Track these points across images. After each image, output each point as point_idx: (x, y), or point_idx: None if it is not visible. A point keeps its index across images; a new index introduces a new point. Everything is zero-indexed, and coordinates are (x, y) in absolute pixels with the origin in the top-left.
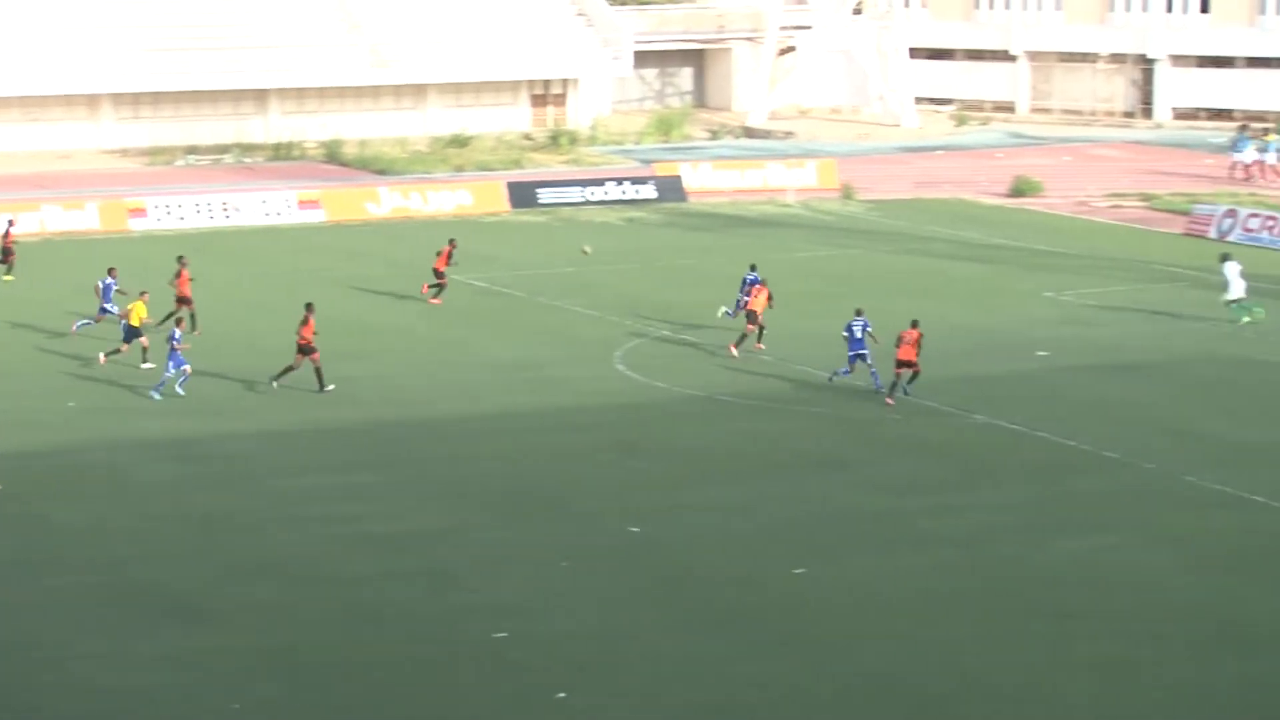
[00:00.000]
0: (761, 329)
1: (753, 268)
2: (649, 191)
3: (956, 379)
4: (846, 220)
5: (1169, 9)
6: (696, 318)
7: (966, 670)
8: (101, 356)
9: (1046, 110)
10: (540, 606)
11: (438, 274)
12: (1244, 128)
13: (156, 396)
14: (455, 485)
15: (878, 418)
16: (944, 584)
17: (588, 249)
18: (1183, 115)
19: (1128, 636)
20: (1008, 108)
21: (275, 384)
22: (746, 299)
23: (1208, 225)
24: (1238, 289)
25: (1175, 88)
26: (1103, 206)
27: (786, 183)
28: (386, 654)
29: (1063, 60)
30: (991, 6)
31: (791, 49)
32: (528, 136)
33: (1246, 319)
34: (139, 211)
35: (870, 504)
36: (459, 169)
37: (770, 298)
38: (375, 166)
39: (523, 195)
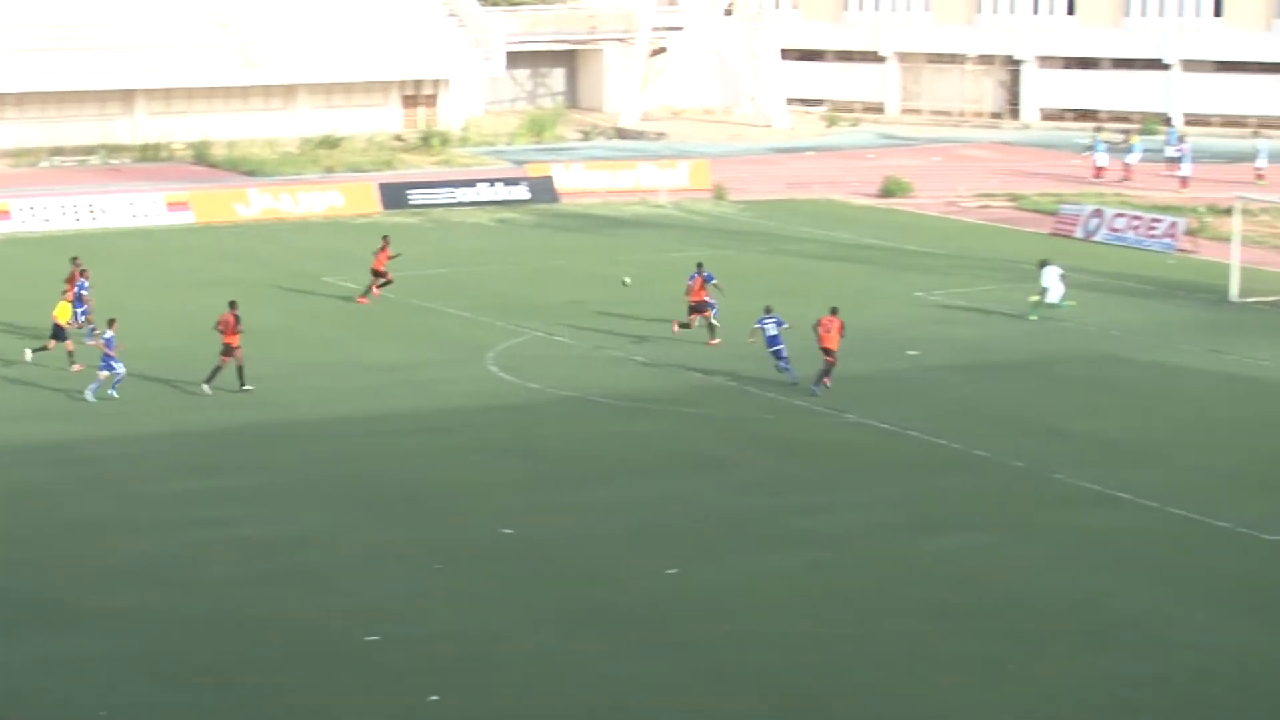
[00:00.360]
0: (705, 321)
1: (699, 266)
2: (521, 192)
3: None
4: (719, 221)
5: (1035, 11)
6: (570, 318)
7: (837, 667)
8: (28, 353)
9: (916, 111)
10: (413, 609)
11: (377, 273)
12: (1099, 129)
13: (91, 398)
14: (326, 488)
15: (749, 417)
16: (816, 582)
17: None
18: (1050, 116)
19: (995, 633)
20: (878, 109)
21: (207, 387)
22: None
23: (1074, 225)
24: (1057, 293)
25: (1042, 89)
26: (971, 207)
27: (659, 183)
28: (258, 657)
29: (931, 61)
30: (861, 8)
31: (663, 50)
32: (399, 137)
33: (1034, 317)
34: (3, 214)
35: (743, 503)
36: (330, 170)
37: (714, 286)
38: (245, 168)
39: (394, 196)
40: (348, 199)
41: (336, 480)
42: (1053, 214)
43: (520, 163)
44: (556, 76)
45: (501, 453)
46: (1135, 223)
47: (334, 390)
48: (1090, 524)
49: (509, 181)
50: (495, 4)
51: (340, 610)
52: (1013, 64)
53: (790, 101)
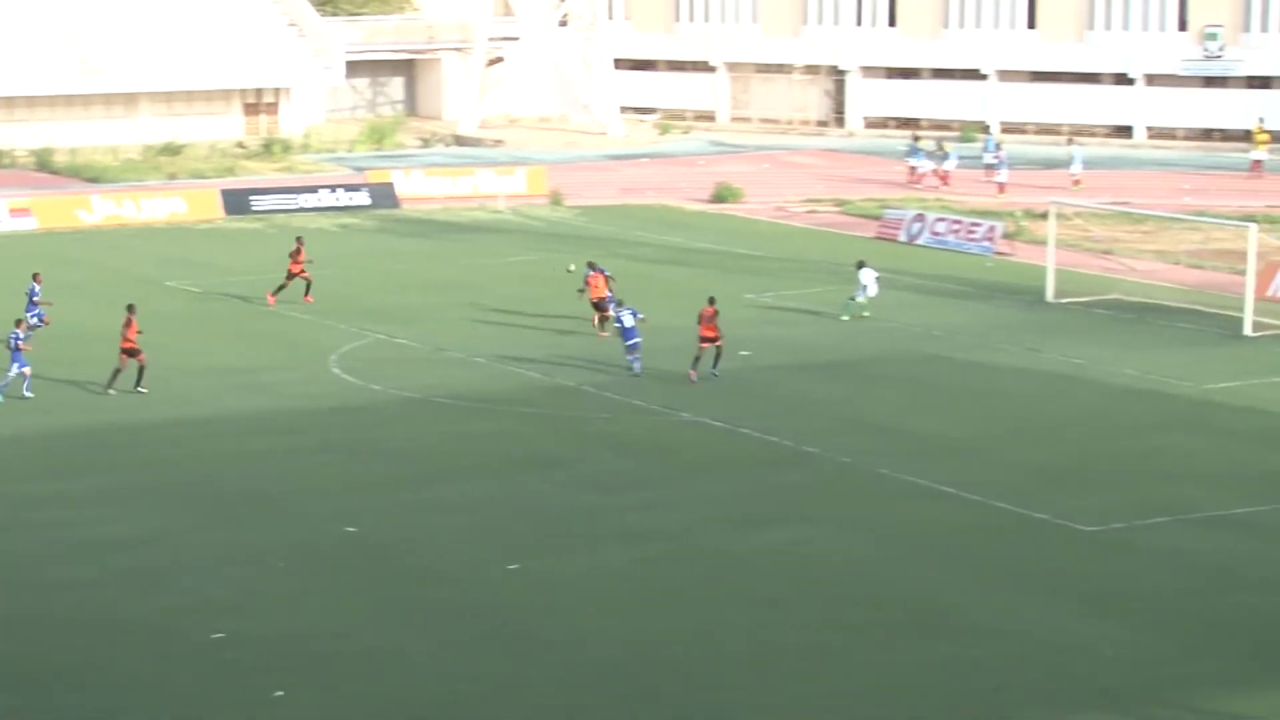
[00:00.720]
0: (604, 317)
1: (590, 265)
2: (362, 198)
3: (662, 377)
4: (556, 226)
5: (859, 22)
6: (412, 321)
7: (674, 659)
8: None
9: (746, 119)
10: (257, 606)
11: (292, 275)
12: (916, 138)
13: None
14: (170, 489)
15: (586, 417)
16: (653, 576)
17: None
18: (873, 124)
19: (824, 623)
20: (709, 116)
21: (111, 390)
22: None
23: (898, 229)
24: (872, 291)
25: (866, 98)
26: (800, 211)
27: (497, 189)
28: (101, 657)
29: (760, 71)
30: (691, 19)
31: (500, 59)
32: (241, 144)
33: (846, 317)
34: None
35: (581, 501)
36: (172, 177)
37: (609, 280)
38: (87, 174)
39: (236, 202)
40: (190, 205)
41: (180, 481)
42: (877, 219)
43: (361, 169)
44: (396, 85)
45: (345, 453)
46: (955, 227)
47: (178, 393)
48: (915, 517)
49: (350, 188)
50: (334, 14)
51: (184, 609)
52: (838, 74)
53: (624, 110)
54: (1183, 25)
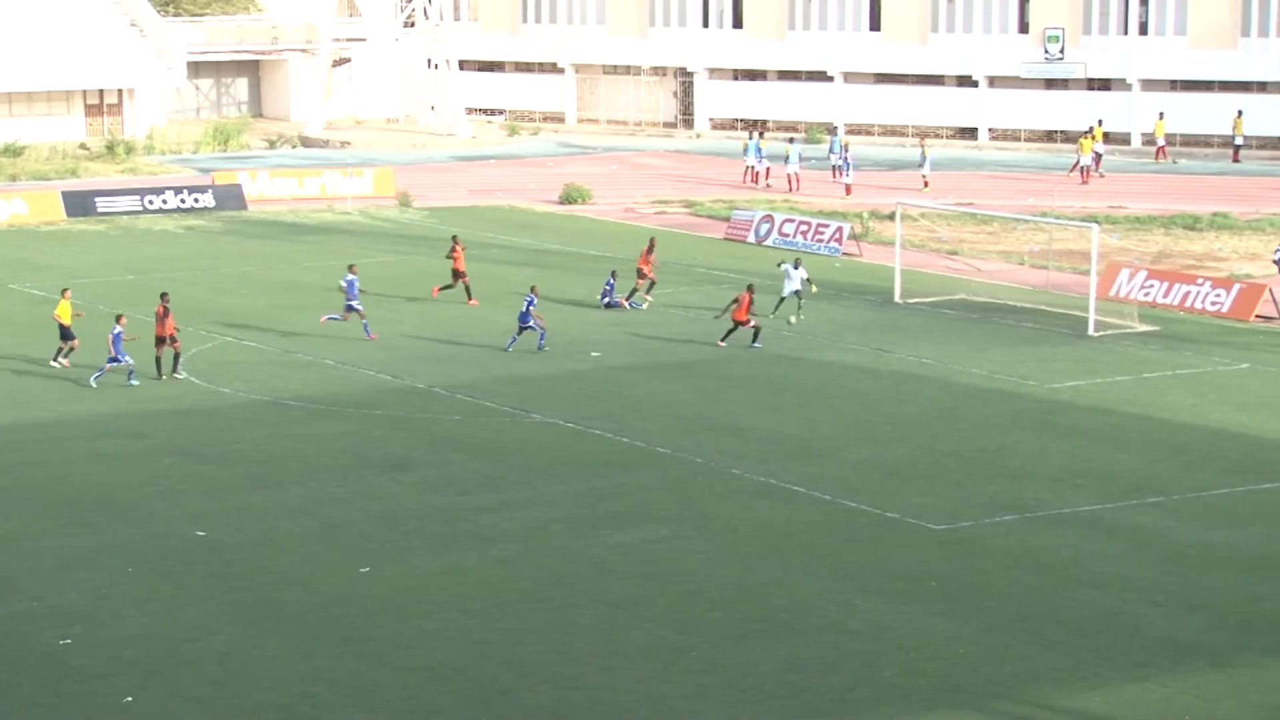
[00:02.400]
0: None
1: (455, 237)
2: (208, 200)
3: (513, 379)
4: (404, 227)
5: (705, 24)
6: (260, 323)
7: (526, 661)
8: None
9: (594, 120)
10: (105, 611)
11: (457, 274)
12: (751, 135)
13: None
14: (15, 492)
15: (437, 418)
16: (505, 577)
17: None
18: (720, 125)
19: (677, 623)
20: (557, 118)
21: (179, 374)
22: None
23: (747, 230)
24: (796, 286)
25: (712, 99)
26: (649, 212)
27: (344, 191)
28: None
29: (607, 73)
30: (538, 20)
31: (346, 60)
32: (84, 146)
33: (794, 319)
34: None
35: (431, 502)
36: (13, 179)
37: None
38: None
39: (79, 204)
40: (31, 207)
41: (27, 484)
42: (726, 220)
43: (206, 171)
44: (241, 86)
45: (193, 456)
46: (803, 228)
47: (22, 396)
48: (766, 516)
49: (196, 189)
50: (177, 14)
51: (31, 614)
52: (685, 75)
53: (472, 111)
54: (1024, 28)
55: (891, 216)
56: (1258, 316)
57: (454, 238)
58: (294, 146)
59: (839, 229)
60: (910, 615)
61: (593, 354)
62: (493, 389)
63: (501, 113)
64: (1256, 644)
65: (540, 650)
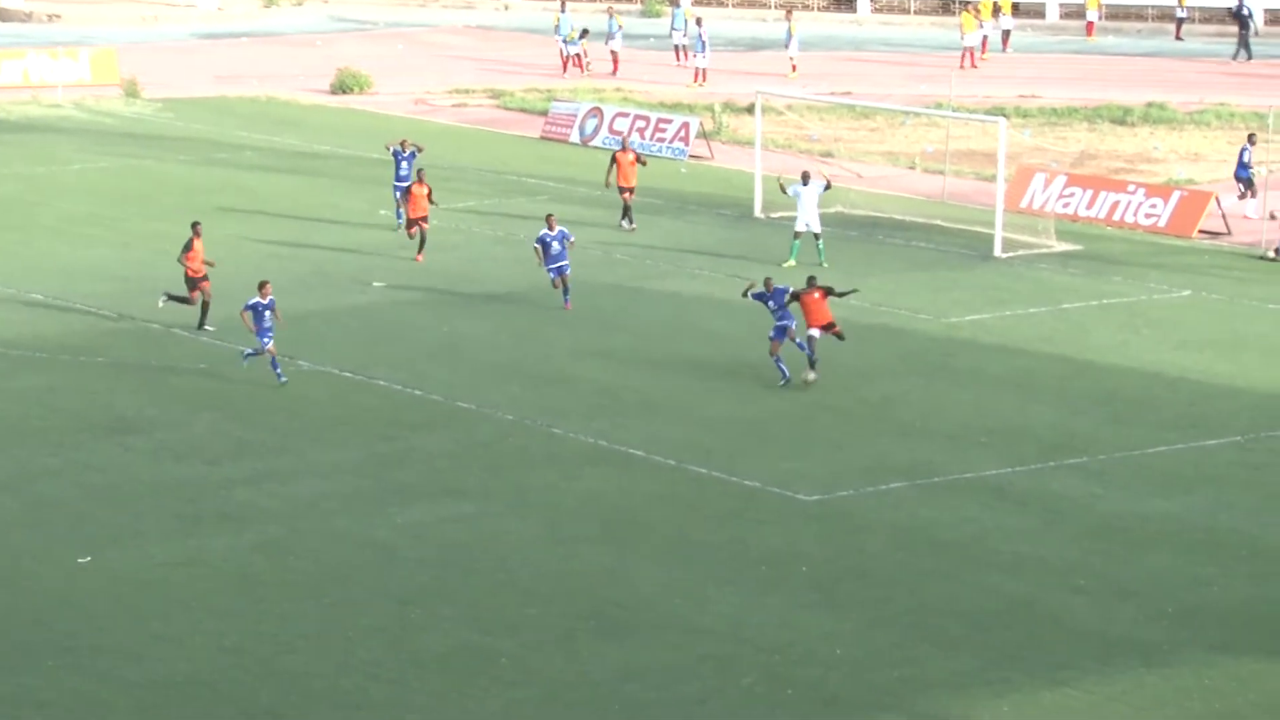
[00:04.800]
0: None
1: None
2: None
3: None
4: (132, 123)
5: None
6: None
7: (294, 673)
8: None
9: None
10: None
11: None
12: (564, 7)
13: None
14: None
15: (178, 367)
16: (266, 568)
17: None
18: None
19: (486, 623)
20: None
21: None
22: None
23: (568, 127)
24: (814, 222)
25: None
26: (445, 105)
27: (54, 78)
28: None
29: None
30: None
31: None
32: None
33: (792, 261)
34: None
35: (172, 474)
36: None
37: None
38: None
39: None
40: None
41: None
42: (543, 114)
43: None
44: None
45: None
46: (640, 124)
47: None
48: (596, 488)
49: None
50: None
51: None
52: None
53: None
54: None
55: (750, 109)
56: (1201, 232)
57: (419, 172)
58: None
59: (684, 125)
60: (775, 609)
61: (375, 284)
62: (242, 329)
63: None
64: (1200, 639)
65: (312, 659)
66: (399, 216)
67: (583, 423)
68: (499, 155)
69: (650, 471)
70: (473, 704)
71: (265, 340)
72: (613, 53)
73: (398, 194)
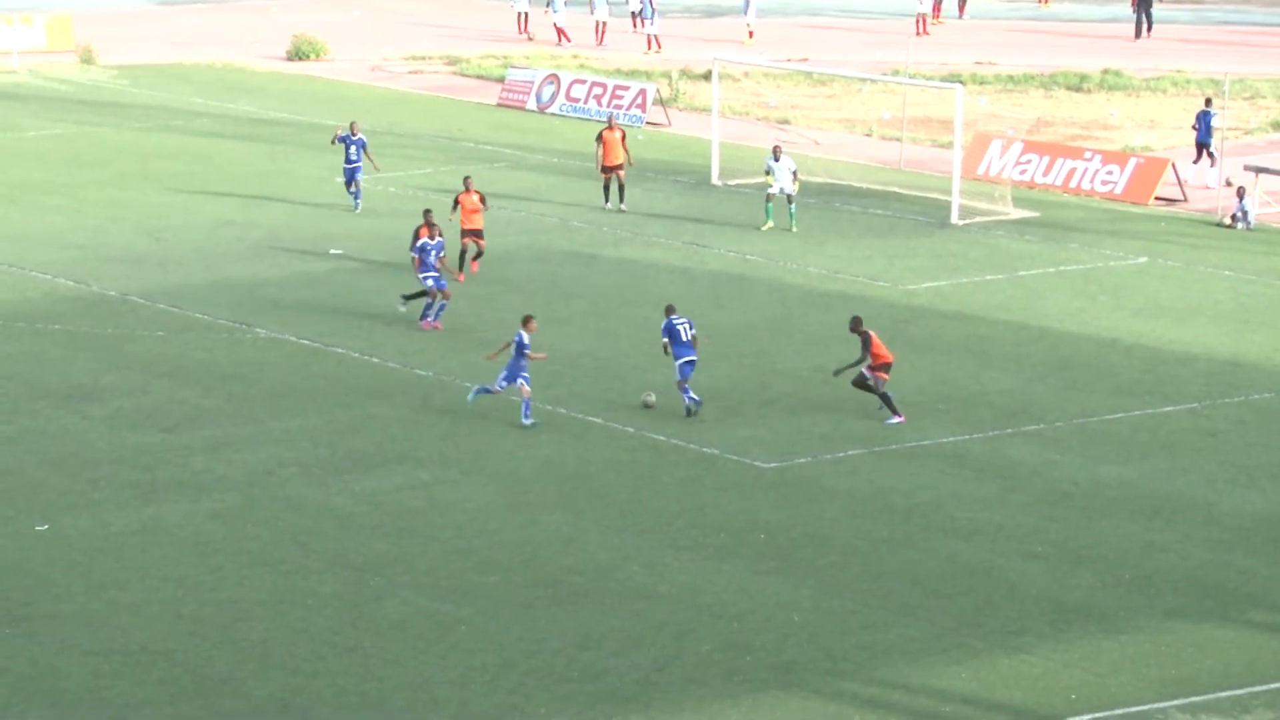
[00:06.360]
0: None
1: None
2: None
3: (230, 285)
4: (87, 90)
5: None
6: None
7: (251, 641)
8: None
9: None
10: None
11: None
12: None
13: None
14: None
15: (133, 334)
16: (222, 537)
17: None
18: None
19: (443, 591)
20: None
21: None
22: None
23: (525, 94)
24: (787, 185)
25: None
26: (401, 72)
27: (9, 44)
28: None
29: None
30: None
31: None
32: None
33: (771, 224)
34: None
35: (130, 442)
36: None
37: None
38: None
39: None
40: None
41: None
42: (499, 80)
43: None
44: None
45: None
46: (597, 90)
47: None
48: (553, 455)
49: None
50: None
51: None
52: None
53: None
54: None
55: (707, 76)
56: (1158, 199)
57: (466, 179)
58: None
59: (641, 92)
60: (732, 576)
61: (332, 251)
62: (205, 297)
63: None
64: (1156, 605)
65: (269, 627)
66: (355, 198)
67: (539, 390)
68: (455, 122)
69: (607, 439)
70: (431, 671)
71: (519, 381)
72: (556, 27)
73: (349, 180)
